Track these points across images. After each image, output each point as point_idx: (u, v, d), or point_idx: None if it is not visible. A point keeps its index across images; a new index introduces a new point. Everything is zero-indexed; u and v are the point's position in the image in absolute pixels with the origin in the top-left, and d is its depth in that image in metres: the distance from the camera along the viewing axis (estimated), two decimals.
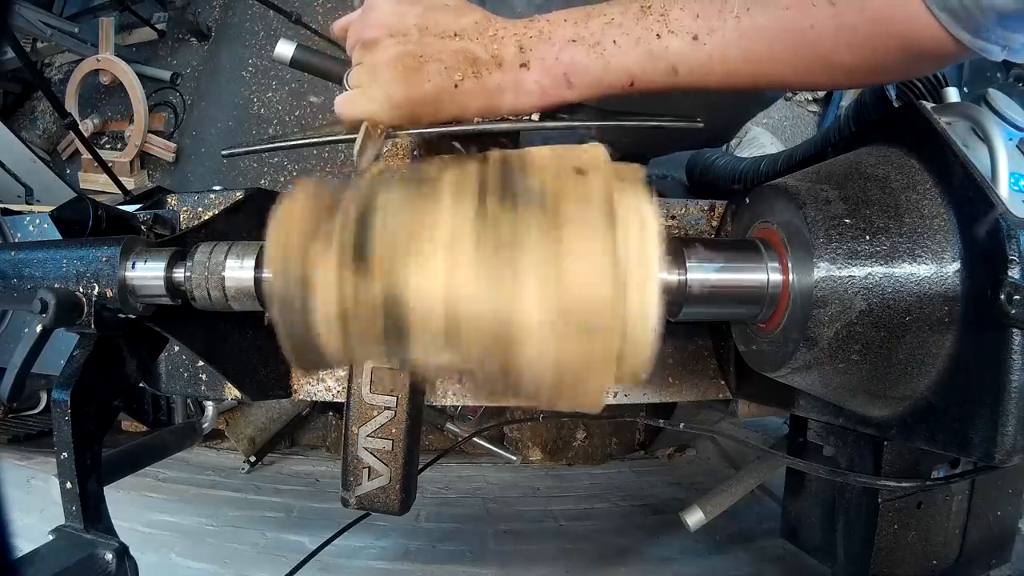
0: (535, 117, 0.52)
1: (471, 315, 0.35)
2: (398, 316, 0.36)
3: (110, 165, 1.74)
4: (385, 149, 0.62)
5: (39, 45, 2.08)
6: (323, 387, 0.68)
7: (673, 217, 0.67)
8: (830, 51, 0.43)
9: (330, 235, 0.36)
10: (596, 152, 0.38)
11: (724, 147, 1.32)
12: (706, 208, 0.67)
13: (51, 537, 0.46)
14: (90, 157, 1.77)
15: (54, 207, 0.58)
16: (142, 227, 0.60)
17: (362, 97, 0.49)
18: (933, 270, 0.43)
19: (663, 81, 0.47)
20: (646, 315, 0.35)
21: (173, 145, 2.00)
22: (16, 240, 0.72)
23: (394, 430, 0.57)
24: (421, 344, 0.36)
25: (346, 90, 0.51)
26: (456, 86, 0.48)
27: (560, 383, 0.36)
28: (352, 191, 0.38)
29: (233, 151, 0.58)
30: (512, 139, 0.57)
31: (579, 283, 0.34)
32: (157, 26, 2.07)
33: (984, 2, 0.38)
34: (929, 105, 0.48)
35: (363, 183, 0.38)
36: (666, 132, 0.58)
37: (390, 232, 0.36)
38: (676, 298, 0.47)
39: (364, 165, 0.47)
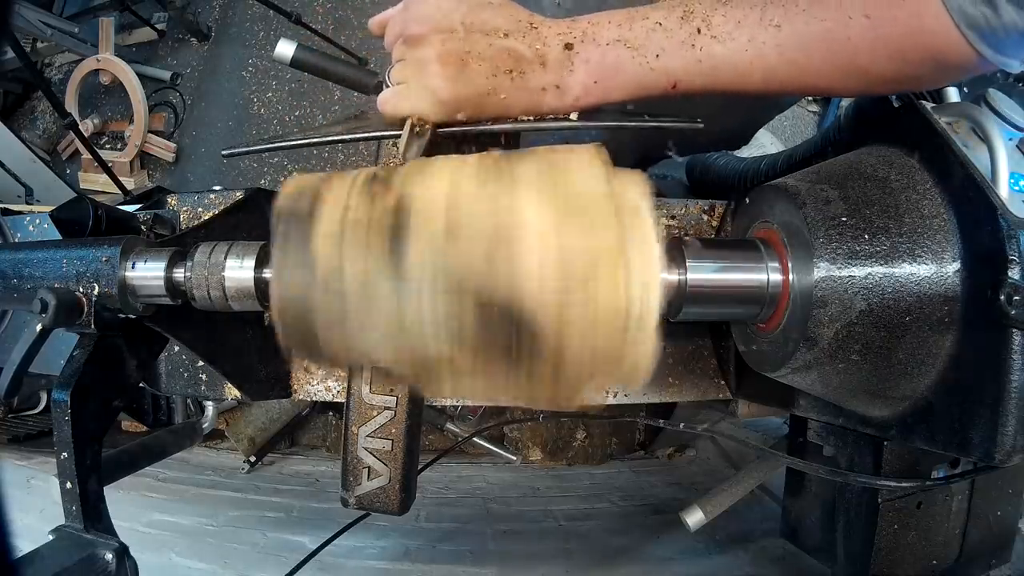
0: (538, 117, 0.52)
1: (471, 213, 0.35)
2: (400, 219, 0.36)
3: (110, 165, 1.74)
4: (391, 154, 0.62)
5: (39, 45, 2.08)
6: (323, 387, 0.68)
7: (673, 217, 0.67)
8: (866, 62, 0.45)
9: (344, 175, 0.39)
10: (598, 161, 0.38)
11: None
12: (706, 208, 0.67)
13: (51, 537, 0.45)
14: (90, 157, 1.77)
15: (54, 207, 0.58)
16: (142, 227, 0.60)
17: (408, 93, 0.49)
18: (933, 270, 0.43)
19: (704, 84, 0.48)
20: (646, 315, 0.35)
21: (173, 145, 2.00)
22: (16, 240, 0.72)
23: (394, 430, 0.57)
24: (419, 252, 0.35)
25: (387, 86, 0.51)
26: (502, 85, 0.48)
27: (567, 285, 0.34)
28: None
29: (233, 151, 0.58)
30: (513, 140, 0.57)
31: (576, 182, 0.35)
32: (157, 26, 2.07)
33: (1007, 22, 0.40)
34: (929, 105, 0.48)
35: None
36: (682, 136, 0.59)
37: (400, 170, 0.38)
38: (676, 298, 0.47)
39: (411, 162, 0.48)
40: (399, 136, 0.58)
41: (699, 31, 0.47)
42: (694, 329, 0.69)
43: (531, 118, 0.51)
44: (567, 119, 0.52)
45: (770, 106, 0.83)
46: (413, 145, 0.49)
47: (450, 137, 0.53)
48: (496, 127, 0.52)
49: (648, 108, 0.54)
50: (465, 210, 0.36)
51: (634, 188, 0.37)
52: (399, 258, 0.35)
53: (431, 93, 0.48)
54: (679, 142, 0.84)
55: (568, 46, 0.48)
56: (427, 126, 0.49)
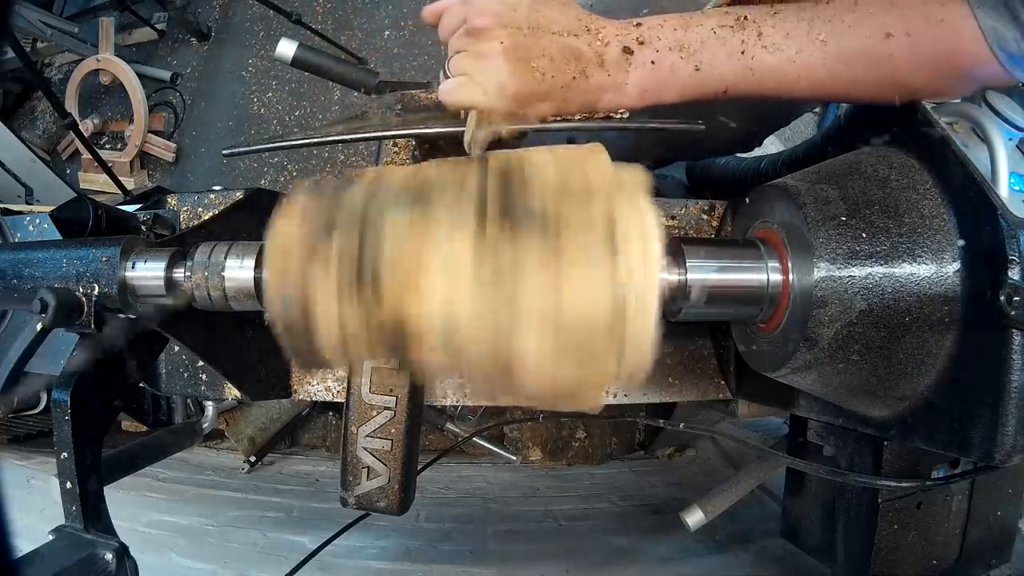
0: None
1: (470, 341, 0.36)
2: (398, 342, 0.37)
3: (110, 165, 1.74)
4: (391, 154, 0.62)
5: (39, 45, 2.08)
6: (323, 387, 0.68)
7: (673, 217, 0.67)
8: (905, 76, 0.48)
9: (328, 261, 0.36)
10: (599, 160, 0.38)
11: None
12: (706, 208, 0.67)
13: (51, 537, 0.46)
14: (90, 157, 1.77)
15: (54, 207, 0.58)
16: (142, 227, 0.60)
17: (472, 85, 0.49)
18: (933, 270, 0.43)
19: (752, 90, 0.50)
20: (646, 318, 0.35)
21: (173, 145, 2.00)
22: (16, 240, 0.72)
23: (393, 430, 0.57)
24: (421, 365, 0.38)
25: (446, 76, 0.51)
26: (563, 83, 0.49)
27: (558, 397, 0.37)
28: (347, 209, 0.38)
29: (234, 150, 0.58)
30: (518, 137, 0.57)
31: (578, 313, 0.34)
32: (157, 26, 2.07)
33: None
34: (929, 105, 0.48)
35: (358, 197, 0.38)
36: (692, 140, 0.60)
37: (387, 262, 0.36)
38: (676, 298, 0.47)
39: (476, 153, 0.48)
40: (399, 136, 0.58)
41: (751, 40, 0.49)
42: (694, 329, 0.69)
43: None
44: (570, 120, 0.52)
45: (791, 113, 0.84)
46: (479, 137, 0.49)
47: (450, 137, 0.53)
48: (445, 131, 0.52)
49: (653, 110, 0.54)
50: (463, 336, 0.36)
51: (635, 188, 0.37)
52: (401, 362, 0.38)
53: (497, 87, 0.48)
54: (689, 147, 0.84)
55: (627, 48, 0.49)
56: (491, 118, 0.49)
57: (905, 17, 0.47)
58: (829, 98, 0.51)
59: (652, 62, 0.49)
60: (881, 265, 0.43)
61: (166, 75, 2.05)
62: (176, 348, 0.64)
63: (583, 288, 0.34)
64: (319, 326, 0.37)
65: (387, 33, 1.95)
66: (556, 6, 0.50)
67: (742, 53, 0.49)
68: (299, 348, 0.39)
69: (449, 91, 0.50)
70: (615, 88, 0.50)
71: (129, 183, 1.91)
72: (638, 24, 0.50)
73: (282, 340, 0.39)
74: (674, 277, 0.46)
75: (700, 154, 0.94)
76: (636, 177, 0.38)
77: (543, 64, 0.48)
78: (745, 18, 0.49)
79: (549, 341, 0.35)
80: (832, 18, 0.48)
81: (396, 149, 0.63)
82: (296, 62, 0.70)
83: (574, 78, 0.49)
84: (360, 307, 0.36)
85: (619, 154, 0.39)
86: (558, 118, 0.51)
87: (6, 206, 0.90)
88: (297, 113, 1.97)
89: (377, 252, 0.36)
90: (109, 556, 0.45)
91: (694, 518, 0.84)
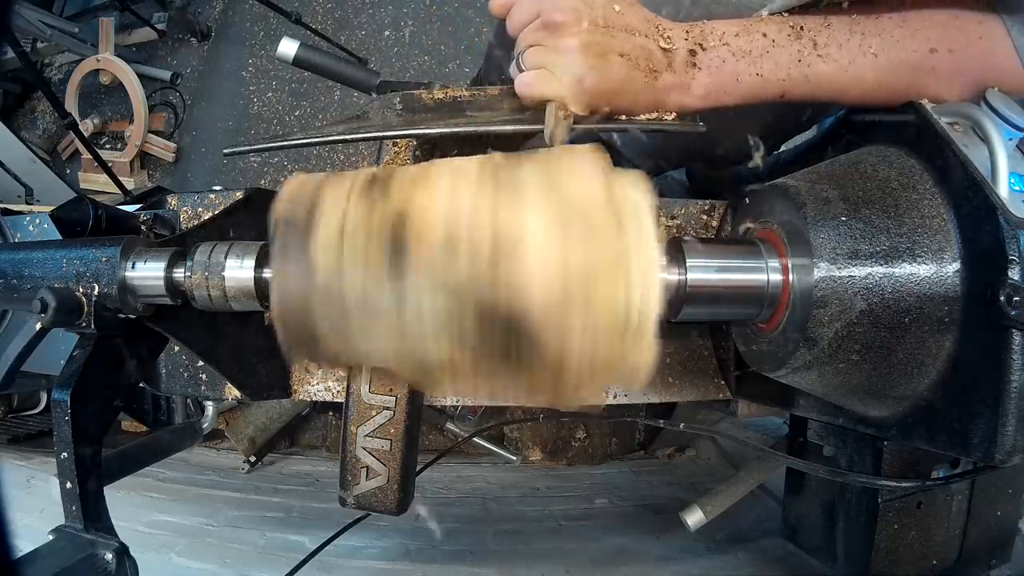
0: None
1: (471, 226, 0.35)
2: (399, 232, 0.36)
3: (110, 165, 1.74)
4: (391, 154, 0.62)
5: (39, 45, 2.08)
6: (323, 387, 0.68)
7: (673, 217, 0.67)
8: (946, 88, 0.51)
9: (342, 174, 0.39)
10: (599, 164, 0.38)
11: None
12: (706, 208, 0.67)
13: (51, 537, 0.45)
14: (90, 157, 1.77)
15: (54, 207, 0.58)
16: (142, 227, 0.60)
17: (550, 78, 0.50)
18: (933, 270, 0.43)
19: (805, 95, 0.53)
20: (646, 317, 0.35)
21: (173, 145, 2.00)
22: (16, 240, 0.72)
23: (393, 430, 0.57)
24: (418, 265, 0.36)
25: (520, 70, 0.52)
26: (636, 81, 0.50)
27: (568, 295, 0.35)
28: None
29: (235, 149, 0.58)
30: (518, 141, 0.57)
31: (576, 188, 0.36)
32: (157, 26, 2.07)
33: None
34: (929, 105, 0.48)
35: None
36: (714, 143, 0.61)
37: (398, 173, 0.38)
38: (676, 298, 0.47)
39: (558, 147, 0.48)
40: (399, 136, 0.58)
41: (807, 48, 0.51)
42: (694, 329, 0.69)
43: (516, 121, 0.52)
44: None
45: (811, 120, 0.85)
46: (559, 132, 0.49)
47: (451, 137, 0.53)
48: (507, 128, 0.52)
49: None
50: (464, 222, 0.35)
51: (634, 189, 0.37)
52: (399, 271, 0.36)
53: (576, 81, 0.49)
54: (708, 151, 0.84)
55: (692, 50, 0.51)
56: (570, 111, 0.50)
57: (948, 34, 0.50)
58: (874, 104, 0.53)
59: (716, 65, 0.51)
60: (881, 265, 0.43)
61: (166, 75, 2.05)
62: (176, 348, 0.64)
63: (580, 175, 0.37)
64: (320, 219, 0.37)
65: (387, 33, 1.95)
66: (627, 6, 0.51)
67: (799, 61, 0.51)
68: (291, 259, 0.38)
69: (528, 83, 0.51)
70: (682, 88, 0.51)
71: (129, 183, 1.91)
72: (702, 27, 0.52)
73: (274, 247, 0.38)
74: (674, 277, 0.46)
75: (718, 159, 0.94)
76: (636, 182, 0.38)
77: (617, 61, 0.49)
78: (802, 28, 0.52)
79: (552, 217, 0.35)
80: (882, 32, 0.51)
81: (397, 149, 0.63)
82: (298, 61, 0.70)
83: (645, 77, 0.50)
84: (365, 200, 0.37)
85: (634, 158, 0.39)
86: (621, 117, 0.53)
87: (6, 206, 0.90)
88: (297, 113, 1.97)
89: (387, 170, 0.39)
90: (109, 556, 0.45)
91: (694, 518, 0.84)
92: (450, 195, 0.36)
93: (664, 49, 0.51)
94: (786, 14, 0.53)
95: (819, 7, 0.54)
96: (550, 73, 0.50)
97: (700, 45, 0.51)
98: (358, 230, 0.36)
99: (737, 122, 0.57)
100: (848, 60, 0.51)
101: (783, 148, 0.85)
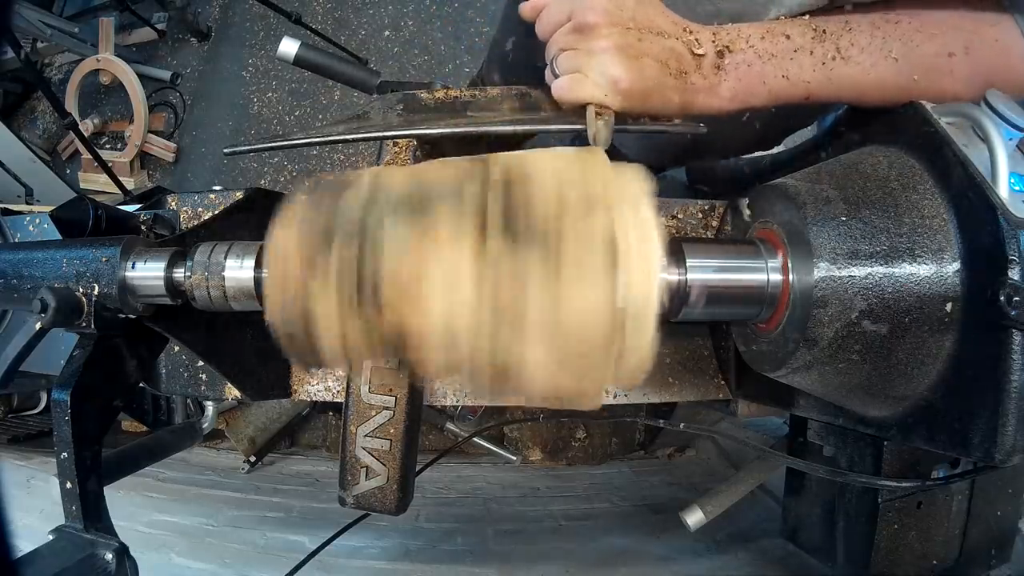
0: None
1: (471, 351, 0.36)
2: (400, 352, 0.38)
3: (110, 165, 1.74)
4: (392, 154, 0.62)
5: (39, 45, 2.08)
6: (323, 387, 0.68)
7: (673, 217, 0.67)
8: (963, 88, 0.52)
9: (328, 274, 0.36)
10: (598, 166, 0.38)
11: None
12: (706, 208, 0.67)
13: (51, 537, 0.45)
14: (90, 157, 1.77)
15: (54, 207, 0.58)
16: (142, 227, 0.60)
17: (586, 81, 0.50)
18: (933, 270, 0.43)
19: (830, 98, 0.54)
20: (644, 331, 0.36)
21: (173, 145, 2.00)
22: (16, 240, 0.72)
23: (392, 430, 0.57)
24: (423, 369, 0.38)
25: (555, 75, 0.52)
26: (668, 83, 0.51)
27: (558, 400, 0.38)
28: (346, 218, 0.37)
29: (235, 149, 0.58)
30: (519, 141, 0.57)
31: (577, 326, 0.35)
32: (157, 26, 2.07)
33: None
34: (929, 105, 0.48)
35: (356, 205, 0.37)
36: (714, 140, 0.61)
37: (388, 274, 0.36)
38: (676, 298, 0.47)
39: (602, 147, 0.48)
40: (400, 136, 0.58)
41: (831, 51, 0.52)
42: (694, 329, 0.69)
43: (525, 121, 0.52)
44: (574, 122, 0.52)
45: (806, 115, 0.85)
46: (601, 131, 0.50)
47: (451, 137, 0.53)
48: (507, 128, 0.52)
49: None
50: (464, 351, 0.36)
51: (636, 195, 0.37)
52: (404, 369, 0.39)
53: (612, 82, 0.49)
54: (708, 148, 0.84)
55: (720, 53, 0.51)
56: (610, 111, 0.50)
57: (964, 36, 0.51)
58: (893, 104, 0.54)
59: (744, 68, 0.52)
60: (881, 265, 0.43)
61: (166, 75, 2.05)
62: (176, 348, 0.64)
63: (582, 304, 0.35)
64: (320, 338, 0.37)
65: (387, 33, 1.95)
66: (655, 9, 0.52)
67: (823, 64, 0.52)
68: (301, 355, 0.39)
69: (566, 88, 0.51)
70: (709, 90, 0.52)
71: (129, 183, 1.91)
72: (728, 31, 0.53)
73: (283, 347, 0.39)
74: (674, 277, 0.46)
75: (718, 155, 0.95)
76: (636, 183, 0.38)
77: (649, 63, 0.50)
78: (824, 31, 0.52)
79: (548, 353, 0.35)
80: (902, 36, 0.52)
81: (397, 149, 0.63)
82: (298, 61, 0.70)
83: (675, 79, 0.51)
84: (361, 320, 0.36)
85: (637, 156, 0.39)
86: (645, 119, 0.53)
87: (6, 206, 0.90)
88: (297, 113, 1.97)
89: (377, 265, 0.36)
90: (109, 556, 0.45)
91: (694, 518, 0.84)
92: (445, 314, 0.36)
93: (693, 52, 0.51)
94: (807, 16, 0.54)
95: (831, 8, 0.55)
96: (584, 77, 0.50)
97: (727, 48, 0.52)
98: (360, 349, 0.38)
99: (734, 118, 0.57)
100: (870, 63, 0.52)
101: (782, 148, 0.85)
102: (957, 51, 0.51)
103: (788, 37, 0.52)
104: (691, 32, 0.52)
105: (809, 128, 0.85)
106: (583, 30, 0.50)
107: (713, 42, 0.52)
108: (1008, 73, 0.51)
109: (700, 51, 0.51)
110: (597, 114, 0.50)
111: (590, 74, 0.50)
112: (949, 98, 0.51)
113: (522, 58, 0.79)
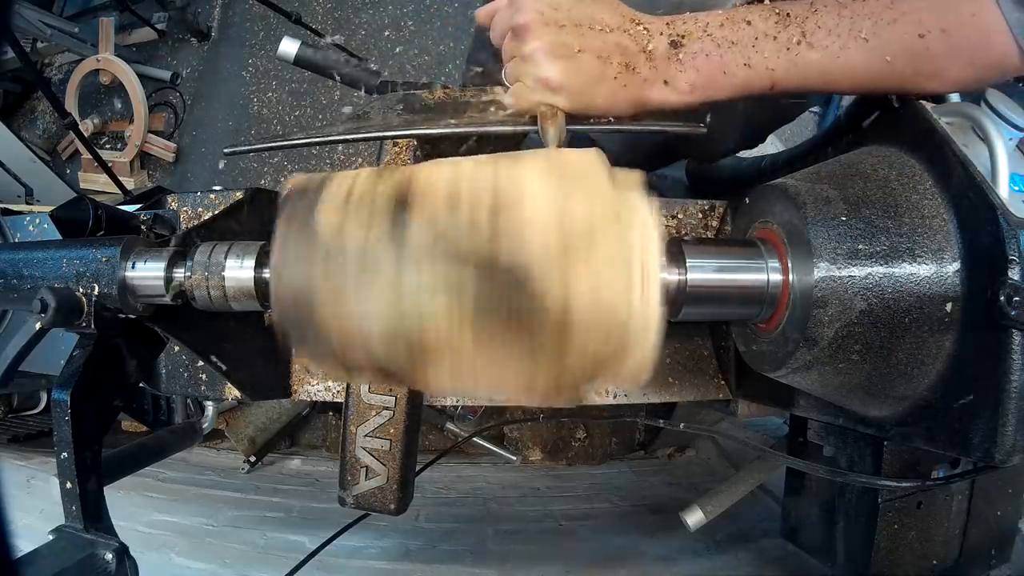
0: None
1: (474, 180, 0.37)
2: (403, 192, 0.37)
3: (110, 165, 1.74)
4: (392, 154, 0.62)
5: (39, 45, 2.08)
6: (323, 387, 0.68)
7: (673, 217, 0.67)
8: (941, 68, 0.49)
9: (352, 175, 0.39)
10: (595, 171, 0.38)
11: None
12: (706, 208, 0.67)
13: (51, 537, 0.45)
14: (90, 157, 1.77)
15: (54, 207, 0.58)
16: (142, 227, 0.60)
17: (525, 90, 0.50)
18: (933, 270, 0.43)
19: (797, 86, 0.51)
20: (648, 316, 0.35)
21: (173, 145, 2.00)
22: (16, 240, 0.72)
23: (392, 430, 0.57)
24: (420, 219, 0.36)
25: (506, 88, 0.52)
26: (610, 78, 0.49)
27: (572, 247, 0.35)
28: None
29: (236, 149, 0.58)
30: (518, 141, 0.57)
31: (575, 164, 0.37)
32: (157, 26, 2.07)
33: None
34: (929, 105, 0.48)
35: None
36: (694, 141, 0.60)
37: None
38: (676, 298, 0.47)
39: (553, 147, 0.48)
40: (400, 136, 0.58)
41: (796, 36, 0.49)
42: (694, 329, 0.69)
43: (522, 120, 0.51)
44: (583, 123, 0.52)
45: (789, 110, 0.84)
46: (549, 131, 0.49)
47: (451, 137, 0.53)
48: (498, 128, 0.52)
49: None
50: (467, 182, 0.36)
51: (633, 191, 0.37)
52: (400, 226, 0.36)
53: (543, 84, 0.49)
54: (694, 146, 0.84)
55: (674, 43, 0.49)
56: (557, 110, 0.50)
57: (939, 13, 0.48)
58: (868, 90, 0.52)
59: (702, 58, 0.50)
60: (881, 265, 0.43)
61: (166, 75, 2.05)
62: (176, 348, 0.64)
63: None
64: (329, 187, 0.38)
65: (387, 33, 1.95)
66: (599, 3, 0.50)
67: (787, 49, 0.49)
68: (296, 223, 0.39)
69: (513, 99, 0.51)
70: (665, 84, 0.50)
71: (129, 183, 1.91)
72: (684, 20, 0.51)
73: (281, 218, 0.39)
74: (674, 277, 0.46)
75: (703, 154, 0.94)
76: (635, 199, 0.38)
77: (586, 59, 0.48)
78: (788, 15, 0.50)
79: (551, 184, 0.36)
80: (871, 15, 0.49)
81: (397, 149, 0.63)
82: (299, 61, 0.70)
83: (619, 73, 0.49)
84: (372, 174, 0.39)
85: (618, 156, 0.39)
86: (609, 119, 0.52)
87: (6, 206, 0.90)
88: (297, 113, 1.97)
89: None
90: (109, 556, 0.45)
91: (694, 518, 0.84)
92: (453, 164, 0.38)
93: (641, 43, 0.49)
94: (769, 1, 0.52)
95: None
96: (523, 85, 0.50)
97: (681, 37, 0.50)
98: (364, 194, 0.38)
99: (720, 115, 0.56)
100: (839, 45, 0.49)
101: (782, 148, 0.85)
102: (932, 29, 0.48)
103: (749, 23, 0.50)
104: (640, 24, 0.50)
105: (809, 128, 0.84)
106: (518, 34, 0.49)
107: (665, 33, 0.50)
108: (988, 51, 0.48)
109: (650, 43, 0.49)
110: (543, 115, 0.49)
111: (527, 80, 0.49)
112: (927, 78, 0.49)
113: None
